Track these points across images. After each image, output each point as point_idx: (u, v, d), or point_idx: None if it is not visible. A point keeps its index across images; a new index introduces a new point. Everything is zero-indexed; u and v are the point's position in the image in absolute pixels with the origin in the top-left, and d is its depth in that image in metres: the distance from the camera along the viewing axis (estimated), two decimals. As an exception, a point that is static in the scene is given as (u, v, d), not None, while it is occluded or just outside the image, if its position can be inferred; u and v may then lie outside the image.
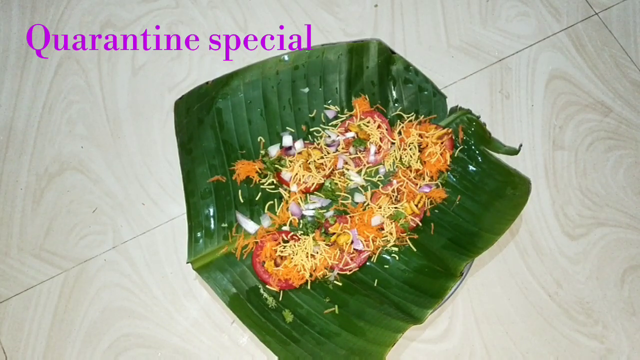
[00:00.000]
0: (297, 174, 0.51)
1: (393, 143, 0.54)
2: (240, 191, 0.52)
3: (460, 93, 0.58)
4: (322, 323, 0.48)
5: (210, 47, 0.60)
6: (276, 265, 0.49)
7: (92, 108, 0.57)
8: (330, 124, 0.55)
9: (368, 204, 0.51)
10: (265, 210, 0.51)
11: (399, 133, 0.54)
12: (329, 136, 0.54)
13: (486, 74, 0.59)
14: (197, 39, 0.60)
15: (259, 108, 0.55)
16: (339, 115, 0.55)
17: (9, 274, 0.51)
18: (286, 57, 0.56)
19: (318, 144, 0.53)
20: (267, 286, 0.49)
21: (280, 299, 0.48)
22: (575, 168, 0.55)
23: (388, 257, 0.50)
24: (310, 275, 0.49)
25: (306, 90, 0.56)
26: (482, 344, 0.49)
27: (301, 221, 0.51)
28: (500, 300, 0.50)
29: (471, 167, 0.53)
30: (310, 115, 0.55)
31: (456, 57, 0.60)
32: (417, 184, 0.52)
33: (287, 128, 0.55)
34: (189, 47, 0.60)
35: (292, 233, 0.50)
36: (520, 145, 0.56)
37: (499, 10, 0.62)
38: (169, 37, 0.60)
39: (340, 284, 0.49)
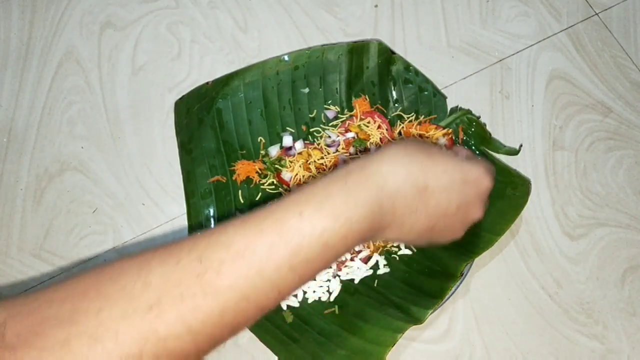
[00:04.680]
0: (297, 174, 0.51)
1: (393, 143, 0.54)
2: (240, 191, 0.52)
3: (461, 93, 0.58)
4: (322, 323, 0.48)
5: (210, 48, 0.60)
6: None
7: (92, 108, 0.57)
8: (330, 124, 0.55)
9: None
10: (266, 211, 0.51)
11: (399, 133, 0.54)
12: (329, 136, 0.54)
13: (486, 74, 0.59)
14: (197, 39, 0.60)
15: (259, 108, 0.55)
16: (339, 115, 0.55)
17: (9, 274, 0.50)
18: (286, 57, 0.56)
19: (318, 144, 0.53)
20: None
21: (281, 299, 0.48)
22: (575, 168, 0.55)
23: (388, 257, 0.50)
24: (311, 276, 0.49)
25: (306, 90, 0.56)
26: (483, 345, 0.49)
27: (301, 221, 0.51)
28: (500, 300, 0.50)
29: (471, 168, 0.53)
30: (310, 115, 0.55)
31: (456, 57, 0.60)
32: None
33: (287, 128, 0.55)
34: (189, 47, 0.60)
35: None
36: (521, 146, 0.56)
37: (499, 10, 0.62)
38: (169, 37, 0.60)
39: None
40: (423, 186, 0.33)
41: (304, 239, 0.29)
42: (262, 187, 0.52)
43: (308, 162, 0.52)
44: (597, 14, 0.62)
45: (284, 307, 0.48)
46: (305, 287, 0.48)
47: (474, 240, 0.50)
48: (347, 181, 0.31)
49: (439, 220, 0.35)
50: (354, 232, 0.31)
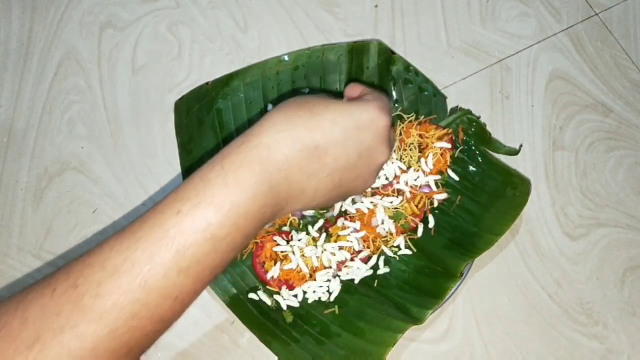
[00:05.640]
0: (297, 174, 0.51)
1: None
2: (240, 191, 0.52)
3: (461, 93, 0.58)
4: (322, 323, 0.48)
5: (210, 48, 0.60)
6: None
7: (92, 108, 0.57)
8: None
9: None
10: (266, 211, 0.51)
11: (399, 133, 0.54)
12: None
13: (486, 75, 0.59)
14: (197, 39, 0.60)
15: (259, 108, 0.55)
16: (339, 115, 0.55)
17: (9, 274, 0.50)
18: (286, 57, 0.56)
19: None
20: (267, 287, 0.49)
21: (281, 299, 0.48)
22: (575, 168, 0.55)
23: (388, 257, 0.50)
24: (311, 276, 0.49)
25: (306, 90, 0.56)
26: (483, 345, 0.49)
27: (301, 221, 0.51)
28: (500, 300, 0.50)
29: (471, 168, 0.53)
30: (310, 115, 0.55)
31: (456, 57, 0.60)
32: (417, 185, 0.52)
33: (287, 128, 0.55)
34: (189, 47, 0.60)
35: (292, 233, 0.50)
36: (521, 146, 0.56)
37: (499, 11, 0.62)
38: (169, 38, 0.60)
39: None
40: (313, 146, 0.31)
41: (187, 238, 0.27)
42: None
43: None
44: (597, 14, 0.62)
45: (284, 307, 0.48)
46: (305, 287, 0.48)
47: (474, 240, 0.50)
48: (224, 165, 0.29)
49: (343, 175, 0.33)
50: (246, 217, 0.28)
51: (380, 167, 0.36)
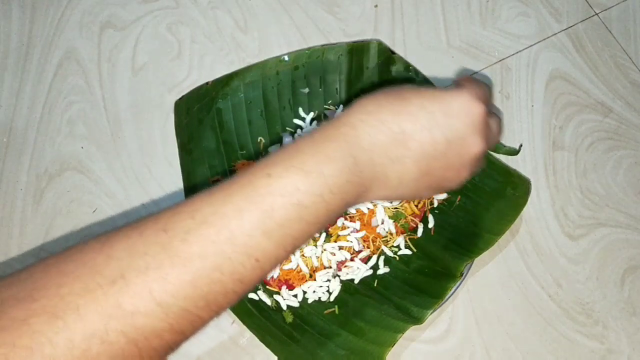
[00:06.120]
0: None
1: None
2: (240, 191, 0.52)
3: (461, 93, 0.58)
4: (322, 323, 0.48)
5: (210, 48, 0.60)
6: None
7: (92, 108, 0.57)
8: (330, 124, 0.55)
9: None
10: (266, 211, 0.51)
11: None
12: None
13: (486, 74, 0.59)
14: (197, 39, 0.60)
15: (259, 108, 0.55)
16: (339, 115, 0.55)
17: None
18: (286, 57, 0.56)
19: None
20: (267, 287, 0.49)
21: (281, 299, 0.48)
22: (575, 168, 0.55)
23: (388, 257, 0.50)
24: (311, 276, 0.49)
25: (306, 90, 0.56)
26: (482, 345, 0.49)
27: (301, 221, 0.51)
28: (500, 300, 0.50)
29: (471, 168, 0.53)
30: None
31: (456, 57, 0.60)
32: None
33: (287, 128, 0.55)
34: (189, 47, 0.60)
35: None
36: (520, 146, 0.56)
37: (499, 11, 0.62)
38: (169, 37, 0.60)
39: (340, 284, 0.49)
40: (399, 130, 0.31)
41: (275, 200, 0.28)
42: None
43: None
44: (597, 14, 0.62)
45: (284, 307, 0.48)
46: (305, 287, 0.48)
47: (474, 240, 0.50)
48: (315, 137, 0.30)
49: (430, 163, 0.32)
50: (332, 190, 0.29)
51: (475, 159, 0.34)
